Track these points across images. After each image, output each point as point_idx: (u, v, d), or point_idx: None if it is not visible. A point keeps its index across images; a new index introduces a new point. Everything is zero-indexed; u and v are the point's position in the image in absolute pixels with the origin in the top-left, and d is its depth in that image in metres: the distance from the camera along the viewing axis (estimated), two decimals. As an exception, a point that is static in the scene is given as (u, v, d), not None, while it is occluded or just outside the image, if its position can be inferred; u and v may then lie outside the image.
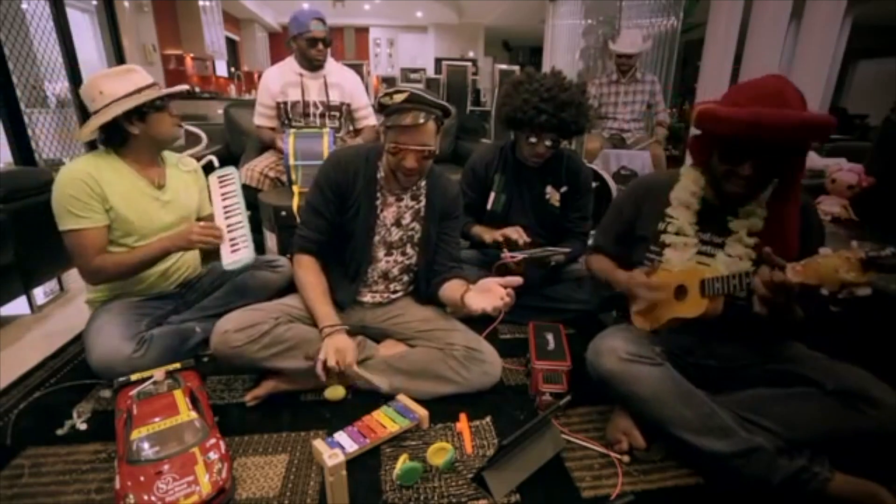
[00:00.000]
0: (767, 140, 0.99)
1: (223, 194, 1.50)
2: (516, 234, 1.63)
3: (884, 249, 0.75)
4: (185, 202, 1.53)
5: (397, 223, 1.43)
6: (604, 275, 1.38)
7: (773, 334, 1.18)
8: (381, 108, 1.28)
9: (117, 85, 1.33)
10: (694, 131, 1.22)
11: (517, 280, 1.15)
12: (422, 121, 1.23)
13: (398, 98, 1.24)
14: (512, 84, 1.67)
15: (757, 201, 1.14)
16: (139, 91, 1.35)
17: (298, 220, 1.60)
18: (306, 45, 2.22)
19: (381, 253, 1.44)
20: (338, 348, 1.21)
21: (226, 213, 1.46)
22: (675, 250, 1.20)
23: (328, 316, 1.29)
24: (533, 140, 1.64)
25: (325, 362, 1.19)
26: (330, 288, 1.39)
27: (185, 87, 1.66)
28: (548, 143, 1.64)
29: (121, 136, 1.37)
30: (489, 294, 1.16)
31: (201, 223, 1.44)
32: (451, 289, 1.35)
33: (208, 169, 1.60)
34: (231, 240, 1.40)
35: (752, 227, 1.13)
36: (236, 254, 1.38)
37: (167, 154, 1.55)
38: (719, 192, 1.16)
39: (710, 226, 1.19)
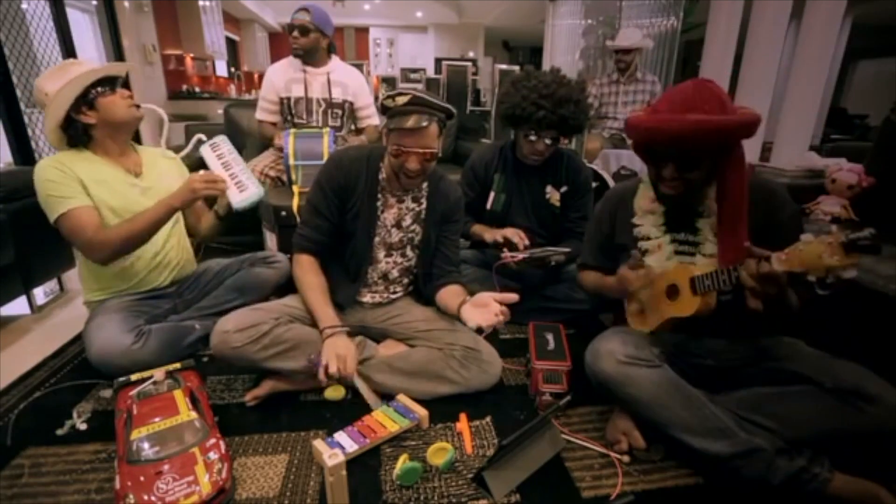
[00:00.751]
0: (670, 145, 1.04)
1: (218, 156, 1.53)
2: (517, 237, 1.63)
3: (863, 231, 0.75)
4: (166, 189, 1.51)
5: (398, 225, 1.43)
6: (596, 286, 1.38)
7: (768, 327, 1.17)
8: (384, 111, 1.28)
9: (57, 81, 1.32)
10: None
11: (513, 297, 1.17)
12: (424, 124, 1.23)
13: (401, 101, 1.24)
14: (511, 82, 1.67)
15: (710, 199, 1.14)
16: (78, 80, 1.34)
17: (298, 219, 1.60)
18: (288, 33, 2.27)
19: (381, 254, 1.44)
20: (339, 355, 1.21)
21: (224, 166, 1.50)
22: (651, 255, 1.21)
23: (329, 317, 1.29)
24: (532, 137, 1.64)
25: (326, 368, 1.19)
26: (330, 288, 1.39)
27: (121, 64, 1.68)
28: (547, 140, 1.64)
29: (82, 131, 1.36)
30: (485, 309, 1.18)
31: (202, 172, 1.46)
32: (449, 295, 1.36)
33: (198, 147, 1.61)
34: (236, 182, 1.46)
35: (713, 225, 1.14)
36: (245, 192, 1.46)
37: (145, 148, 1.55)
38: (657, 193, 1.20)
39: (681, 225, 1.20)
